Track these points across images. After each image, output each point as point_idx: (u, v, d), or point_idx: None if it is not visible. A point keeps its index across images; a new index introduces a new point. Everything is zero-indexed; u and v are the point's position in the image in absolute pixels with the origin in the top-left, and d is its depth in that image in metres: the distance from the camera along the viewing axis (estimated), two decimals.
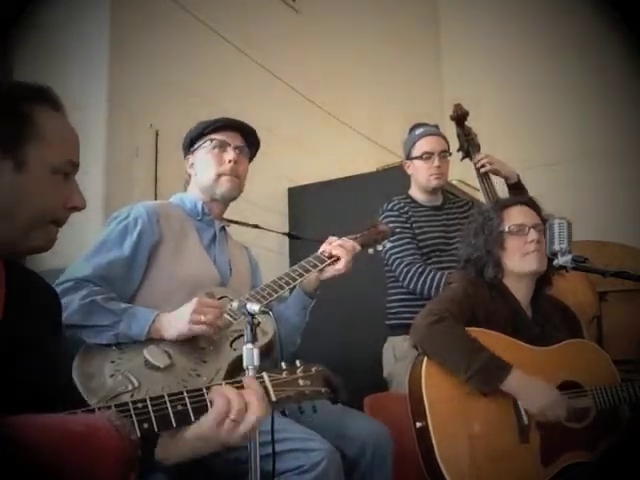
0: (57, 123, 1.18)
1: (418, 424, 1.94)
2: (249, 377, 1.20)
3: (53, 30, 2.93)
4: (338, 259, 2.04)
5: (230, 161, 2.06)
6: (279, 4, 4.03)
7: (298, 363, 1.26)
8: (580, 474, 1.95)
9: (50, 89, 1.20)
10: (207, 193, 2.09)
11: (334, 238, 2.09)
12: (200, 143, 2.10)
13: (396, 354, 2.69)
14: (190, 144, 2.13)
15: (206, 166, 2.07)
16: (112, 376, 1.66)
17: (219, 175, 2.06)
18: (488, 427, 1.94)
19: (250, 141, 2.15)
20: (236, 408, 1.10)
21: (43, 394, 1.17)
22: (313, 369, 1.26)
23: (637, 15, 3.55)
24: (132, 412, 1.02)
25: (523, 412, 1.95)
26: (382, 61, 4.95)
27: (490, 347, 1.98)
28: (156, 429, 1.04)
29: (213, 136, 2.08)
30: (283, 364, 1.25)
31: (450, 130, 3.07)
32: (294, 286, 2.00)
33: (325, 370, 1.27)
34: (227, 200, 2.12)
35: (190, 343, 1.77)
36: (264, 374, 1.21)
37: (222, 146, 2.08)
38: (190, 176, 2.14)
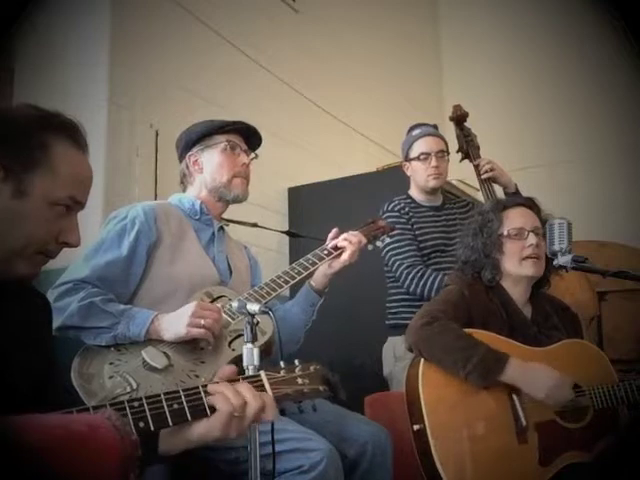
0: (72, 159, 1.18)
1: (415, 427, 1.93)
2: (229, 369, 1.23)
3: (54, 30, 2.94)
4: (343, 251, 2.04)
5: (244, 164, 2.09)
6: (279, 4, 4.04)
7: (297, 362, 1.26)
8: (578, 474, 1.95)
9: (78, 126, 1.21)
10: (216, 193, 2.09)
11: (336, 231, 2.10)
12: (211, 142, 2.10)
13: (396, 354, 2.70)
14: (195, 142, 2.12)
15: (219, 166, 2.08)
16: (111, 378, 1.66)
17: (234, 176, 2.07)
18: (486, 428, 1.94)
19: (250, 143, 2.16)
20: (237, 405, 1.13)
21: (45, 395, 1.18)
22: (311, 367, 1.26)
23: (637, 15, 3.55)
24: (128, 411, 1.03)
25: (521, 413, 1.95)
26: (382, 61, 4.95)
27: None
28: (152, 428, 1.05)
29: (228, 137, 2.09)
30: (282, 363, 1.25)
31: (450, 130, 3.08)
32: (294, 284, 2.00)
33: (323, 368, 1.27)
34: (239, 201, 2.13)
35: (188, 344, 1.77)
36: (262, 372, 1.22)
37: (235, 148, 2.09)
38: (191, 173, 2.13)
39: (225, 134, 2.10)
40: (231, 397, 1.13)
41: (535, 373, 1.95)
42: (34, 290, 1.30)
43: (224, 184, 2.08)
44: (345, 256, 2.04)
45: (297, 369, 1.25)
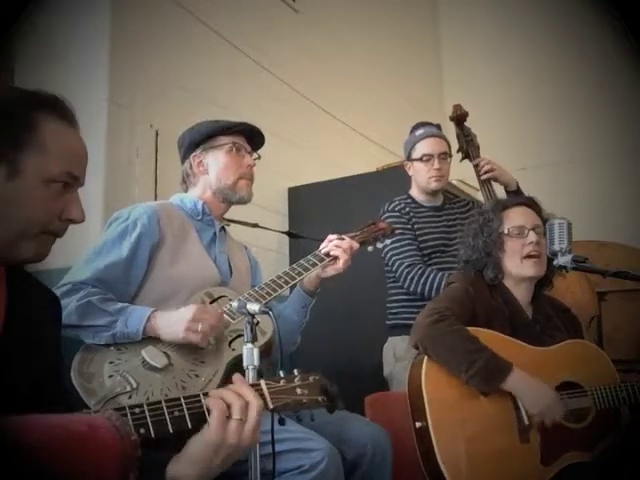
0: (62, 135, 1.16)
1: (418, 424, 1.94)
2: (238, 377, 1.19)
3: (54, 30, 2.94)
4: (336, 258, 2.04)
5: (249, 165, 2.09)
6: (279, 4, 4.03)
7: (296, 372, 1.26)
8: (579, 474, 1.95)
9: (64, 101, 1.18)
10: (221, 194, 2.09)
11: (333, 237, 2.10)
12: (216, 143, 2.09)
13: (396, 354, 2.70)
14: (199, 142, 2.11)
15: (224, 168, 2.08)
16: (111, 377, 1.66)
17: (239, 178, 2.07)
18: (488, 427, 1.94)
19: (252, 144, 2.17)
20: (237, 405, 1.10)
21: (45, 394, 1.17)
22: (311, 378, 1.26)
23: (637, 15, 3.55)
24: (129, 417, 1.02)
25: (523, 412, 1.95)
26: (382, 61, 4.95)
27: (490, 347, 1.98)
28: (153, 435, 1.03)
29: (233, 138, 2.09)
30: (281, 372, 1.25)
31: (451, 130, 3.07)
32: (294, 285, 2.00)
33: (322, 379, 1.27)
34: (243, 203, 2.13)
35: (189, 344, 1.76)
36: (261, 381, 1.21)
37: (240, 149, 2.10)
38: (195, 174, 2.12)
39: (229, 135, 2.10)
40: (225, 395, 1.10)
41: (535, 388, 1.95)
42: (41, 286, 1.28)
43: (229, 186, 2.08)
44: (339, 264, 2.04)
45: (296, 379, 1.24)
